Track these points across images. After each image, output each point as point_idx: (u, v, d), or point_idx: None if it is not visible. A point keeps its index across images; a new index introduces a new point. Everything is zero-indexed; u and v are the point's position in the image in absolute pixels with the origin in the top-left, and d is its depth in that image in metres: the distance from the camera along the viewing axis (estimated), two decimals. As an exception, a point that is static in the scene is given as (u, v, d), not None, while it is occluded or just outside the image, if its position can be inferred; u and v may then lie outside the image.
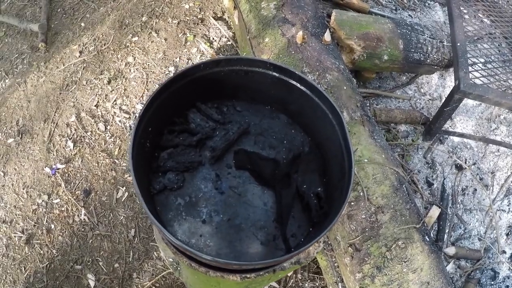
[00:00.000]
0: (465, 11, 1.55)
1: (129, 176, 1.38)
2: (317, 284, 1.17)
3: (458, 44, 1.29)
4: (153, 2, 1.84)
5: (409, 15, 1.85)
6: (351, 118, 1.07)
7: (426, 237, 0.99)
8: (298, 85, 0.62)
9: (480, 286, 1.42)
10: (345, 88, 1.13)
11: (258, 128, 0.66)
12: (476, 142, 1.55)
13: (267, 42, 1.24)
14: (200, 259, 0.52)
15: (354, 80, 1.24)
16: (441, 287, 0.98)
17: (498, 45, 1.67)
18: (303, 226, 0.61)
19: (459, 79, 1.22)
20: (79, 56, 1.74)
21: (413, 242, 0.95)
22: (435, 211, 1.38)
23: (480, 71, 1.28)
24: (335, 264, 0.99)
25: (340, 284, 0.98)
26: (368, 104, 1.50)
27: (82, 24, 1.88)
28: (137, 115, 0.63)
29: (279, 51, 1.20)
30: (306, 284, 1.18)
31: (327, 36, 1.25)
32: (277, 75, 0.62)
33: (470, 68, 1.26)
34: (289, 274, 1.17)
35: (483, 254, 1.44)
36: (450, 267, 1.40)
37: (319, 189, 0.60)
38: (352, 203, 0.94)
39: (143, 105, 0.55)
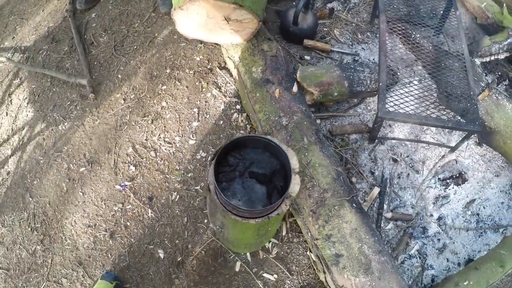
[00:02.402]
0: (392, 55, 2.90)
1: (179, 185, 2.76)
2: (300, 239, 2.58)
3: (381, 84, 2.64)
4: (171, 56, 3.21)
5: (362, 48, 3.21)
6: (309, 142, 2.44)
7: (354, 204, 2.38)
8: (271, 141, 1.98)
9: (413, 238, 2.78)
10: (305, 123, 2.50)
11: (257, 160, 2.04)
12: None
13: (258, 97, 2.61)
14: (239, 212, 1.88)
15: (312, 115, 2.62)
16: (365, 231, 2.36)
17: (419, 79, 3.02)
18: (277, 198, 1.98)
19: (378, 109, 2.57)
20: (123, 103, 3.12)
21: (344, 207, 2.32)
22: (376, 190, 2.76)
23: (394, 102, 2.62)
24: (305, 222, 2.37)
25: (309, 233, 2.37)
26: (329, 123, 2.87)
27: (119, 76, 3.25)
28: (211, 159, 2.06)
29: (265, 102, 2.58)
30: (295, 240, 2.59)
31: (294, 88, 2.62)
32: (264, 139, 1.98)
33: (387, 101, 2.60)
34: (283, 234, 2.57)
35: (413, 216, 2.82)
36: (390, 226, 2.79)
37: (282, 184, 1.98)
38: (310, 188, 2.33)
39: (213, 154, 1.93)
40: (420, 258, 2.75)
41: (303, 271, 2.60)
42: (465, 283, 2.47)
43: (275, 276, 2.58)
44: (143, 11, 3.54)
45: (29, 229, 2.81)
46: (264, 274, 2.59)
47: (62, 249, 2.72)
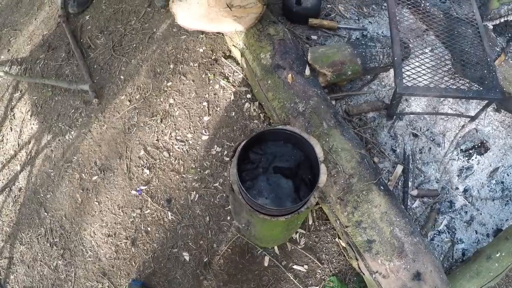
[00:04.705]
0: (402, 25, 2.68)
1: (197, 183, 2.59)
2: (328, 226, 2.42)
3: (396, 58, 2.43)
4: (173, 50, 2.99)
5: (369, 22, 2.99)
6: (328, 126, 2.26)
7: (381, 187, 2.20)
8: (293, 132, 1.79)
9: (441, 213, 2.62)
10: (322, 106, 2.31)
11: (279, 153, 1.86)
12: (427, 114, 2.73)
13: (270, 84, 2.41)
14: (268, 211, 1.71)
15: (328, 97, 2.42)
16: (395, 213, 2.19)
17: (431, 49, 2.80)
18: (306, 193, 1.81)
19: (396, 85, 2.37)
20: (129, 105, 2.92)
21: (372, 191, 2.15)
22: (399, 168, 2.59)
23: (411, 76, 2.42)
24: (333, 210, 2.21)
25: (338, 221, 2.20)
26: (344, 103, 2.68)
27: (122, 77, 3.04)
28: (231, 158, 1.87)
29: (278, 89, 2.38)
30: (322, 228, 2.42)
31: (307, 71, 2.42)
32: (284, 130, 1.80)
33: (404, 75, 2.40)
34: (310, 223, 2.41)
35: (439, 191, 2.65)
36: (416, 204, 2.62)
37: (309, 176, 1.80)
38: (335, 175, 2.15)
39: (232, 152, 1.75)
40: (449, 233, 2.59)
41: (333, 259, 2.44)
42: (497, 255, 2.33)
43: (306, 266, 2.43)
44: (138, 7, 3.30)
45: (48, 244, 2.65)
46: (294, 266, 2.43)
47: (84, 262, 2.56)
